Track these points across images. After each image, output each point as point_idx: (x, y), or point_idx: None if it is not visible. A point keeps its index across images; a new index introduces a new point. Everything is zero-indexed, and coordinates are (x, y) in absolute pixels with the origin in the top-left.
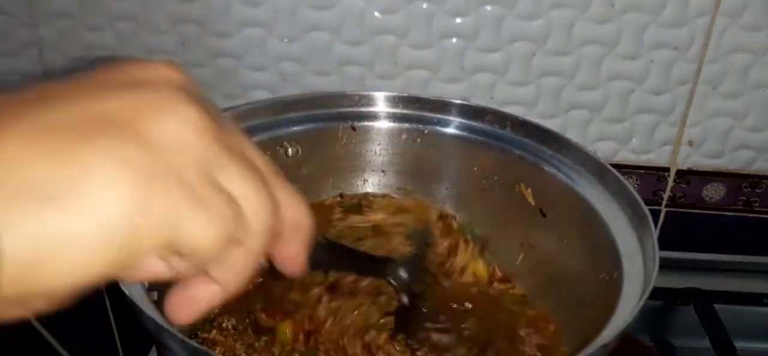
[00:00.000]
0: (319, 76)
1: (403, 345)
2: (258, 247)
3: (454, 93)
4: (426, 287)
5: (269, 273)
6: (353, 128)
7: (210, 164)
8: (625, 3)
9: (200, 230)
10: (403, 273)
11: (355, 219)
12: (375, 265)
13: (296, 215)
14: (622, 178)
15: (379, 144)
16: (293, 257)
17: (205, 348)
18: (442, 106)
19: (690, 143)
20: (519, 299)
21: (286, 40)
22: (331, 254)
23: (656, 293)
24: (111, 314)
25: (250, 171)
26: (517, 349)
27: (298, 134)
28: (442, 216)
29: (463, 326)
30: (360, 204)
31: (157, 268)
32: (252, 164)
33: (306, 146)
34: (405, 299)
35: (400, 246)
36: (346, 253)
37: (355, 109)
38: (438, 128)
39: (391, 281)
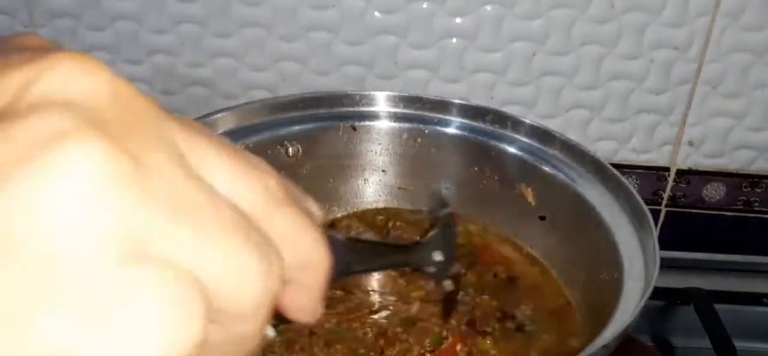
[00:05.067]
0: (319, 76)
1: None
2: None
3: (454, 93)
4: (464, 265)
5: None
6: (354, 128)
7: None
8: (625, 3)
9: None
10: (438, 256)
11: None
12: (405, 255)
13: (303, 253)
14: (622, 178)
15: (379, 144)
16: (304, 306)
17: None
18: (442, 106)
19: (690, 143)
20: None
21: (286, 40)
22: (353, 253)
23: (656, 293)
24: None
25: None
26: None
27: (298, 134)
28: None
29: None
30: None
31: None
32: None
33: (306, 145)
34: (448, 284)
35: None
36: (370, 248)
37: (355, 108)
38: (438, 127)
39: (428, 269)
